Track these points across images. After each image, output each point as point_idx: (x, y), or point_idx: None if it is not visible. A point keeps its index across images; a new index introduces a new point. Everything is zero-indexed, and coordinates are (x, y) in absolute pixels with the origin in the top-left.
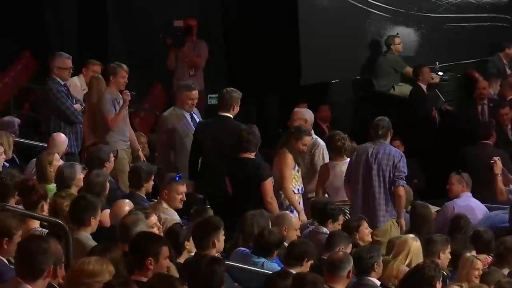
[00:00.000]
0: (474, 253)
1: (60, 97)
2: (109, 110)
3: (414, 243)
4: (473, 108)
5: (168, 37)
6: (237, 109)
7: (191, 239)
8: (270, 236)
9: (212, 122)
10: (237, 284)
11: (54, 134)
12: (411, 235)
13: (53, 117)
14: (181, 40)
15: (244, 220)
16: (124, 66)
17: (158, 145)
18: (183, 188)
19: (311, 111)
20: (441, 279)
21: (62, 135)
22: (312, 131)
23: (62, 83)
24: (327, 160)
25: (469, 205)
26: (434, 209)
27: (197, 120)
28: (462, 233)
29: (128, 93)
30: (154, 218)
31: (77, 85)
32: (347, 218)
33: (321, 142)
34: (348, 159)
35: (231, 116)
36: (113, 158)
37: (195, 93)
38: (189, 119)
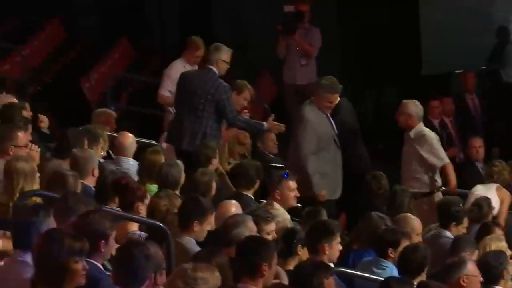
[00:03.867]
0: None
1: (229, 96)
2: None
3: None
4: None
5: (279, 23)
6: None
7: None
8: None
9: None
10: None
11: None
12: None
13: (214, 117)
14: (292, 26)
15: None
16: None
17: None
18: (294, 185)
19: (419, 104)
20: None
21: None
22: (421, 124)
23: None
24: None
25: None
26: None
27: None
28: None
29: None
30: (272, 226)
31: (182, 69)
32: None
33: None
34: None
35: None
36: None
37: (336, 96)
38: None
